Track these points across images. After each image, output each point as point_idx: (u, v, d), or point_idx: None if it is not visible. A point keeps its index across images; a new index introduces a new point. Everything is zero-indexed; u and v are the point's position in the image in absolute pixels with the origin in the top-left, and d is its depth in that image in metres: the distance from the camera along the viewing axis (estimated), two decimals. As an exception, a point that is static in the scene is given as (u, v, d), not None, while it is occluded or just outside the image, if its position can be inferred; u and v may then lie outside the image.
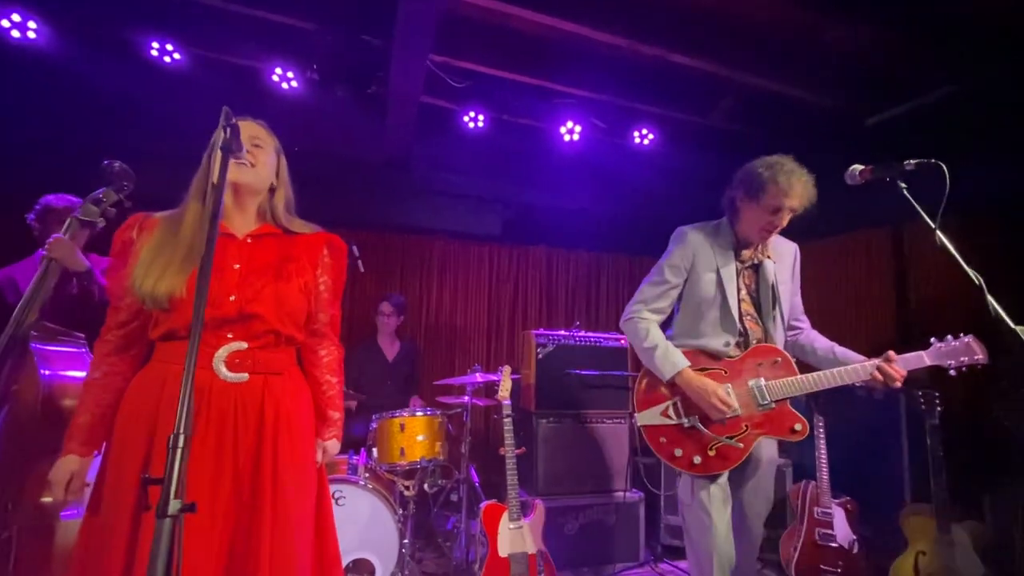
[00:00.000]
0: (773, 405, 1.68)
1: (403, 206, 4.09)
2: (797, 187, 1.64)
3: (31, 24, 2.73)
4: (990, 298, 1.08)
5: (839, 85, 3.06)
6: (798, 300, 1.93)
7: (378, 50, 2.85)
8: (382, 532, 2.38)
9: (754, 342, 1.79)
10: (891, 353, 1.63)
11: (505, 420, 2.46)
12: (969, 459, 2.63)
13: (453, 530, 2.97)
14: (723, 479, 1.74)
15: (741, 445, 1.68)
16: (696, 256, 1.82)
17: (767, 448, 1.82)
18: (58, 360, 1.62)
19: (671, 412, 1.74)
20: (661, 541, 3.10)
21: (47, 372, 1.58)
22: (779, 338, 1.82)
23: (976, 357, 1.57)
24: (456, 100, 3.31)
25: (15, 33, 2.73)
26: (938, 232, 1.17)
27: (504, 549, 2.27)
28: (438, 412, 2.66)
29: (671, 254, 1.86)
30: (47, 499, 1.08)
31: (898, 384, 1.62)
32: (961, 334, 1.60)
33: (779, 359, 1.74)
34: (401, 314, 3.60)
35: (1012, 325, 1.03)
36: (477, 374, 2.81)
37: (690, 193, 4.26)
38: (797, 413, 1.70)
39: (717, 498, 1.73)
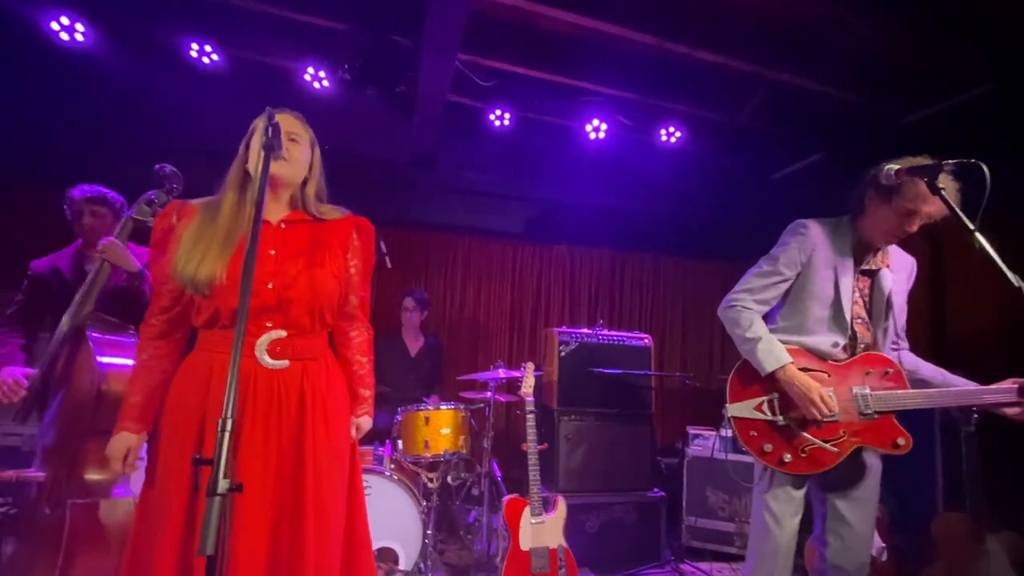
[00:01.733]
0: (876, 416, 1.61)
1: (429, 203, 4.15)
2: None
3: (79, 27, 2.86)
4: (1031, 301, 1.06)
5: (872, 82, 2.99)
6: (904, 317, 1.82)
7: (407, 50, 2.90)
8: (406, 522, 2.44)
9: (862, 347, 1.72)
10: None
11: (528, 416, 2.49)
12: (1006, 468, 2.54)
13: (475, 523, 3.01)
14: (803, 491, 1.70)
15: (836, 450, 1.61)
16: (815, 250, 1.72)
17: (871, 454, 1.71)
18: (113, 348, 1.71)
19: (765, 408, 1.67)
20: (683, 542, 3.08)
21: (102, 359, 1.66)
22: (886, 349, 1.74)
23: None
24: (483, 98, 3.34)
25: (64, 36, 2.86)
26: (977, 234, 1.14)
27: (526, 543, 2.30)
28: (462, 406, 2.70)
29: (788, 246, 1.75)
30: (100, 476, 1.15)
31: None
32: None
33: (890, 370, 1.66)
34: (424, 309, 3.65)
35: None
36: (500, 370, 2.83)
37: (717, 192, 4.22)
38: (902, 428, 1.62)
39: (791, 506, 1.68)
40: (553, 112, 3.51)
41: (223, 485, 0.76)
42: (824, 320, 1.70)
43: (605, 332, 3.19)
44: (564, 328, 3.16)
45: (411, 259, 4.28)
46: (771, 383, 1.67)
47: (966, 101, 2.91)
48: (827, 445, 1.61)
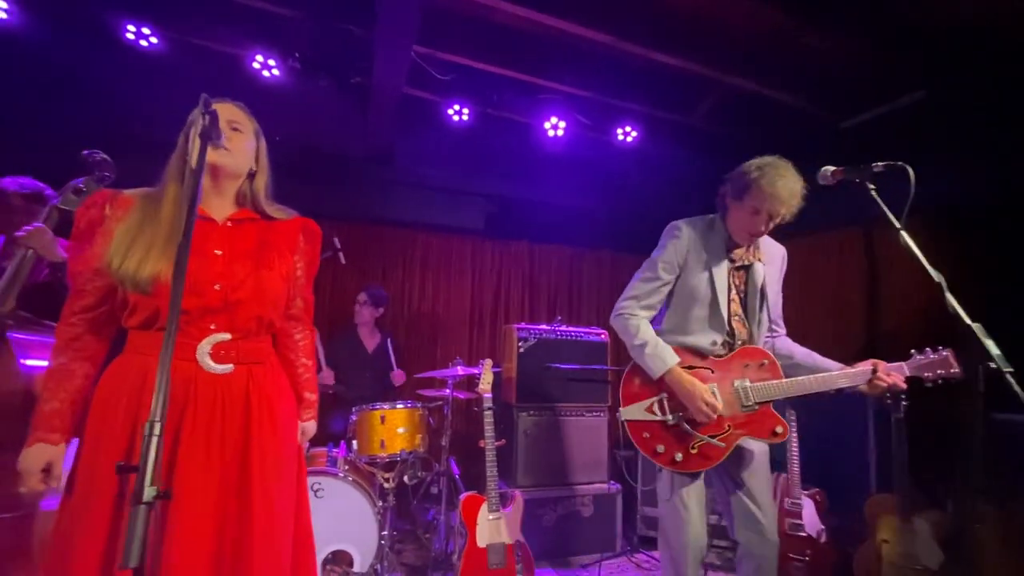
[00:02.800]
0: (756, 407, 1.69)
1: (385, 198, 4.06)
2: (782, 192, 1.60)
3: (2, 3, 2.64)
4: (949, 296, 1.13)
5: (816, 88, 3.13)
6: (779, 305, 1.92)
7: (361, 40, 2.83)
8: (361, 524, 2.39)
9: (739, 343, 1.79)
10: (878, 363, 1.65)
11: (485, 413, 2.48)
12: (933, 451, 2.73)
13: (433, 522, 2.99)
14: (700, 479, 1.77)
15: (723, 444, 1.68)
16: (689, 252, 1.80)
17: (755, 442, 1.79)
18: (36, 349, 1.58)
19: (656, 408, 1.73)
20: (638, 532, 3.16)
21: (27, 361, 1.54)
22: (762, 341, 1.83)
23: (952, 371, 1.60)
24: (440, 92, 3.30)
25: (-18, 12, 2.64)
26: (902, 232, 1.22)
27: (483, 539, 2.30)
28: (419, 405, 2.66)
29: (665, 249, 1.82)
30: (24, 489, 1.06)
31: (902, 387, 1.65)
32: (940, 348, 1.63)
33: (766, 361, 1.74)
34: (378, 306, 3.57)
35: (968, 322, 1.09)
36: (458, 367, 2.81)
37: (672, 190, 4.33)
38: (779, 416, 1.70)
39: (694, 494, 1.74)
40: (512, 109, 3.51)
41: (149, 493, 0.71)
42: (703, 319, 1.78)
43: (563, 328, 3.22)
44: (523, 324, 3.17)
45: (368, 255, 4.19)
46: (659, 384, 1.73)
47: (900, 107, 3.10)
48: (714, 440, 1.68)
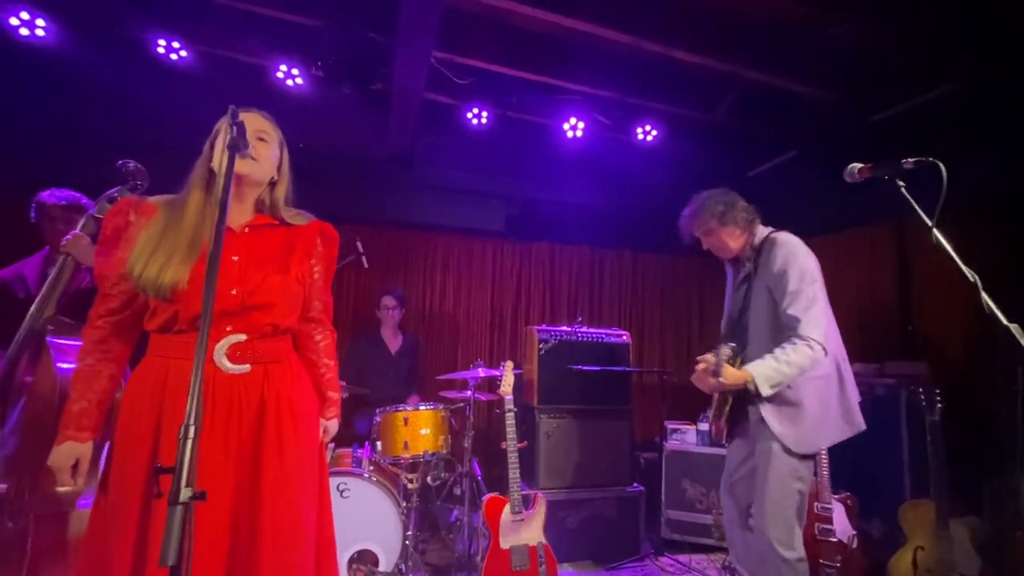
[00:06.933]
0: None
1: (407, 202, 4.11)
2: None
3: (39, 22, 2.75)
4: (985, 296, 1.09)
5: (843, 81, 3.05)
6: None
7: (382, 47, 2.87)
8: (386, 524, 2.42)
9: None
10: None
11: (507, 415, 2.49)
12: (969, 455, 2.63)
13: (456, 522, 3.01)
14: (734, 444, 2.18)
15: None
16: None
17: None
18: (72, 353, 1.65)
19: None
20: (662, 535, 3.13)
21: (63, 365, 1.61)
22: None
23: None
24: (459, 96, 3.32)
25: (23, 31, 2.75)
26: (935, 230, 1.17)
27: (506, 541, 2.30)
28: (441, 406, 2.69)
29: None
30: (63, 488, 1.11)
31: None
32: None
33: None
34: (403, 306, 3.63)
35: (1005, 322, 1.05)
36: (480, 369, 2.83)
37: (694, 189, 4.25)
38: None
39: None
40: (531, 110, 3.51)
41: (185, 494, 0.74)
42: None
43: (584, 329, 3.21)
44: (544, 326, 3.17)
45: (389, 258, 4.25)
46: None
47: (931, 100, 2.99)
48: None
